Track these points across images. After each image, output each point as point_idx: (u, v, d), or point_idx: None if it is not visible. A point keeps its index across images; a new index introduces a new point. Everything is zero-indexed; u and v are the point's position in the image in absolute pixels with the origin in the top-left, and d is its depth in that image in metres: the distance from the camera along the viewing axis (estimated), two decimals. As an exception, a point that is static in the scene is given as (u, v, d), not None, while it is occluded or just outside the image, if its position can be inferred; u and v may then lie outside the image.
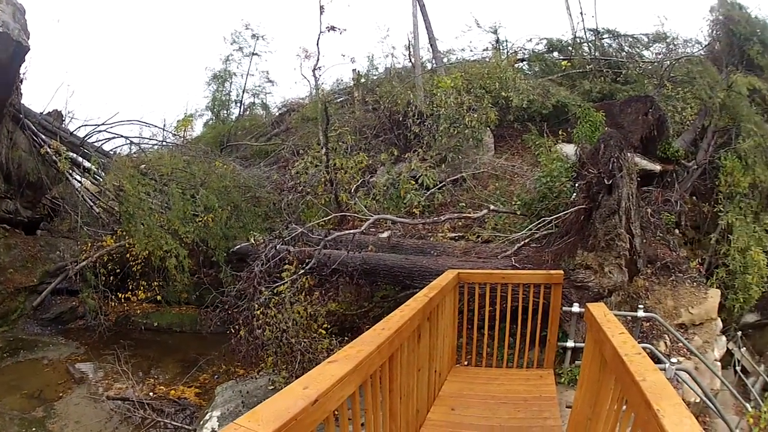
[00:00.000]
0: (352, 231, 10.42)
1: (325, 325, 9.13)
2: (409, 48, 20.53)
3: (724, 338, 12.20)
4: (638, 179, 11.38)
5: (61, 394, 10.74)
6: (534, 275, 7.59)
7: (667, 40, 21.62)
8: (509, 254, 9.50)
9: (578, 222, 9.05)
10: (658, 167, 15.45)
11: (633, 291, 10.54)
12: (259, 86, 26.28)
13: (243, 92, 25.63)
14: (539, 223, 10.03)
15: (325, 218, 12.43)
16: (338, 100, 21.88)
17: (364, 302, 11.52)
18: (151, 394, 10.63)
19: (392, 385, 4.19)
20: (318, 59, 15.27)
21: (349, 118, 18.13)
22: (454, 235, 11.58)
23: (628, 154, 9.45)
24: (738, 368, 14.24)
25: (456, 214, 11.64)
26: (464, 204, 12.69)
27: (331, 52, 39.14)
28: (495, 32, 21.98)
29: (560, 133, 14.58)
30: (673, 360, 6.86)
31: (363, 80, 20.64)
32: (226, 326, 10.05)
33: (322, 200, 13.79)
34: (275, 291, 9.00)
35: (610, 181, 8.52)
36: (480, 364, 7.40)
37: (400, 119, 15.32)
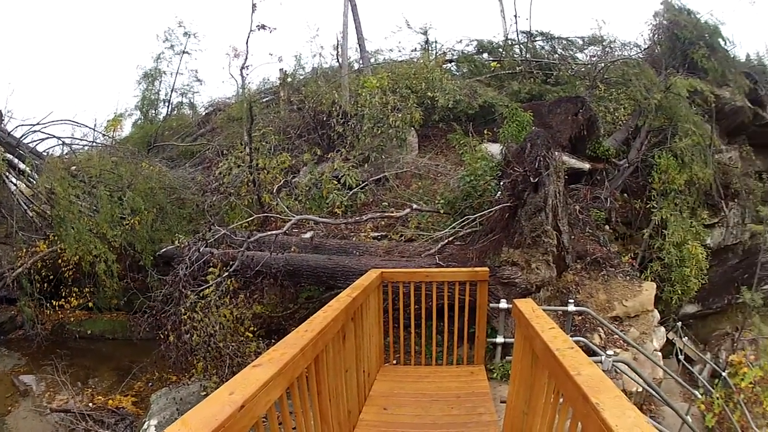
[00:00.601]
0: (274, 232, 10.20)
1: (252, 328, 9.11)
2: (338, 48, 20.46)
3: (662, 329, 12.49)
4: (566, 177, 11.57)
5: (9, 408, 10.81)
6: (458, 273, 7.49)
7: (604, 43, 22.05)
8: (433, 252, 9.46)
9: (503, 219, 9.11)
10: (587, 166, 15.82)
11: (563, 286, 10.64)
12: (188, 85, 25.68)
13: (171, 91, 25.00)
14: (463, 222, 10.02)
15: (248, 219, 12.15)
16: (264, 100, 21.63)
17: (289, 304, 11.46)
18: (90, 404, 10.63)
19: (320, 387, 4.13)
20: (246, 58, 15.05)
21: (273, 117, 17.95)
22: (377, 234, 11.47)
23: (556, 153, 9.54)
24: (681, 357, 14.43)
25: (378, 214, 11.51)
26: (387, 203, 12.66)
27: (262, 52, 39.01)
28: (425, 33, 22.02)
29: (485, 132, 14.64)
30: (609, 352, 6.96)
31: (289, 80, 20.31)
32: (156, 332, 9.87)
33: (245, 201, 13.56)
34: (201, 294, 8.86)
35: (536, 179, 8.61)
36: (409, 363, 7.48)
37: (324, 119, 15.15)
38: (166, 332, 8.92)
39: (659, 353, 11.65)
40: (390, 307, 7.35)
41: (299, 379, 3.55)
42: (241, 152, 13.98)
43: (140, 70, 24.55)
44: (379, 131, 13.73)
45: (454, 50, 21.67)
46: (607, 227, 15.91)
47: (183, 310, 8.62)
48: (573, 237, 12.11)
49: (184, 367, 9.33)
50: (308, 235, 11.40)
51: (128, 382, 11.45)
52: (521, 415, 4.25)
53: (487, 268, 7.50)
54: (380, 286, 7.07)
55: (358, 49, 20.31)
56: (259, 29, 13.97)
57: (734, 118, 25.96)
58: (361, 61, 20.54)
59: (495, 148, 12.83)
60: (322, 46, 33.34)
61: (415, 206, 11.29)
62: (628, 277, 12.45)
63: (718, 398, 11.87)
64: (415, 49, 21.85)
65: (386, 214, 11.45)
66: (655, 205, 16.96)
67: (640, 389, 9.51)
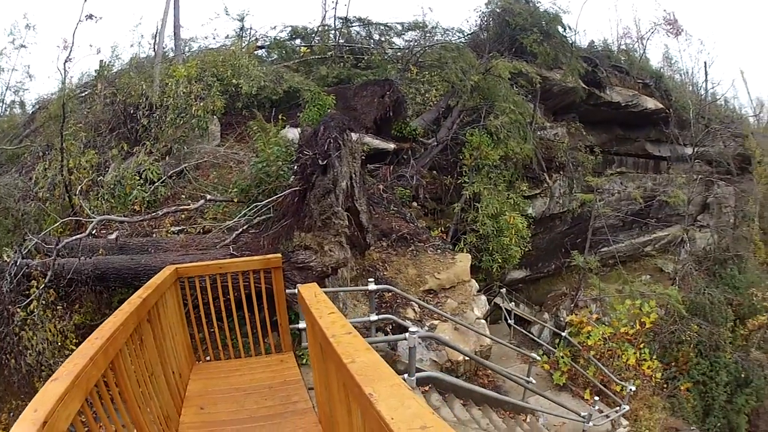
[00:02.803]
0: (79, 236, 9.69)
1: (75, 340, 8.60)
2: (156, 36, 19.83)
3: (483, 297, 12.67)
4: (365, 158, 11.59)
5: None
6: (251, 262, 7.35)
7: (425, 29, 22.78)
8: (227, 243, 9.37)
9: (294, 204, 9.06)
10: (392, 146, 16.07)
11: (369, 264, 10.80)
12: (20, 82, 24.44)
13: (6, 89, 23.64)
14: (253, 209, 9.96)
15: (57, 225, 11.50)
16: (83, 94, 20.29)
17: (105, 309, 10.64)
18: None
19: (125, 395, 3.92)
20: (71, 51, 14.25)
21: (87, 113, 16.99)
22: (177, 229, 11.19)
23: (353, 134, 9.61)
24: (511, 321, 14.64)
25: (174, 208, 11.13)
26: (185, 196, 12.33)
27: (94, 43, 37.23)
28: (242, 20, 22.12)
29: (282, 118, 14.51)
30: (413, 329, 6.81)
31: (106, 72, 19.37)
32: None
33: (58, 205, 12.82)
34: (28, 310, 8.36)
35: (325, 162, 8.58)
36: (220, 358, 7.25)
37: (132, 112, 14.58)
38: (5, 355, 8.38)
39: (483, 321, 11.89)
40: (189, 303, 7.06)
41: (98, 387, 3.41)
42: (56, 153, 13.28)
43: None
44: (182, 122, 13.53)
45: (268, 37, 21.84)
46: (415, 204, 16.13)
47: (16, 329, 8.19)
48: (376, 216, 12.16)
49: (27, 391, 8.59)
50: (113, 236, 10.84)
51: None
52: (326, 402, 4.21)
53: (279, 255, 7.39)
54: (176, 282, 6.70)
55: (174, 38, 19.88)
56: (87, 19, 13.33)
57: (564, 97, 27.74)
58: (175, 50, 20.11)
59: (295, 133, 12.78)
60: (143, 35, 32.39)
61: (209, 197, 11.07)
62: (439, 251, 12.57)
63: (562, 357, 12.40)
64: (229, 36, 21.92)
65: (181, 207, 11.06)
66: (467, 180, 17.31)
67: (467, 357, 9.81)
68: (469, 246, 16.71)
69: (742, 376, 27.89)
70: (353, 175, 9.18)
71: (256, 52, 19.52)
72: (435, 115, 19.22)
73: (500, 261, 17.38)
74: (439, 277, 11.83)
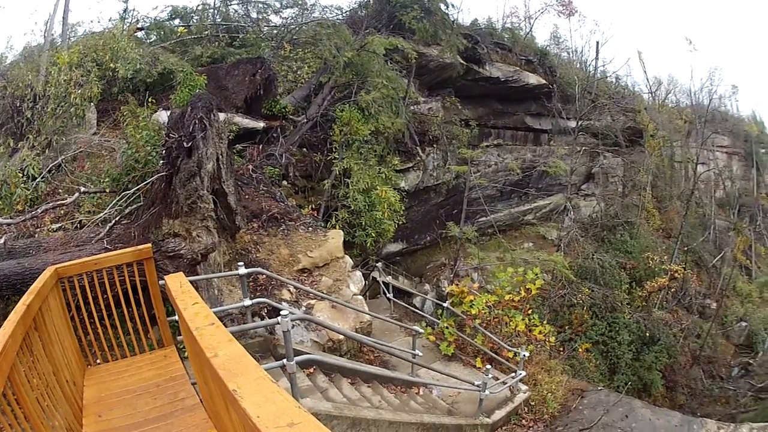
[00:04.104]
0: None
1: None
2: (47, 23, 19.05)
3: (359, 273, 12.65)
4: (235, 138, 11.89)
5: None
6: (124, 254, 6.98)
7: (303, 6, 23.10)
8: (102, 236, 9.08)
9: (161, 190, 8.80)
10: (261, 124, 16.10)
11: (241, 247, 10.74)
12: None
13: None
14: (121, 198, 9.75)
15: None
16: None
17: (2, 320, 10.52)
18: None
19: (26, 411, 3.83)
20: None
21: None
22: (56, 226, 10.44)
23: (220, 114, 9.40)
24: (390, 295, 14.94)
25: (51, 204, 10.67)
26: (62, 190, 11.71)
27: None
28: (126, 1, 21.77)
29: (152, 101, 14.25)
30: (284, 312, 6.53)
31: (-1, 64, 18.79)
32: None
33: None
34: None
35: (190, 144, 8.39)
36: (108, 360, 6.90)
37: (18, 105, 13.94)
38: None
39: (360, 297, 12.04)
40: (72, 304, 6.60)
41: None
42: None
43: None
44: (62, 111, 13.11)
45: (149, 18, 21.51)
46: (285, 183, 16.21)
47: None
48: (246, 197, 12.20)
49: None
50: (2, 240, 9.94)
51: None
52: (209, 396, 4.05)
53: (150, 245, 7.13)
54: (57, 283, 6.34)
55: (62, 23, 19.07)
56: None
57: (440, 73, 28.93)
58: (62, 36, 19.34)
59: (166, 117, 12.11)
60: (36, 22, 31.04)
61: (83, 189, 10.62)
62: (310, 229, 12.66)
63: (447, 327, 12.68)
64: (112, 19, 21.30)
65: (58, 202, 10.60)
66: (337, 157, 17.55)
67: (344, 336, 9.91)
68: (341, 222, 16.85)
69: (647, 334, 29.50)
70: (220, 156, 8.92)
71: (136, 34, 19.24)
72: (306, 92, 19.43)
73: (374, 235, 17.59)
74: (312, 256, 11.91)
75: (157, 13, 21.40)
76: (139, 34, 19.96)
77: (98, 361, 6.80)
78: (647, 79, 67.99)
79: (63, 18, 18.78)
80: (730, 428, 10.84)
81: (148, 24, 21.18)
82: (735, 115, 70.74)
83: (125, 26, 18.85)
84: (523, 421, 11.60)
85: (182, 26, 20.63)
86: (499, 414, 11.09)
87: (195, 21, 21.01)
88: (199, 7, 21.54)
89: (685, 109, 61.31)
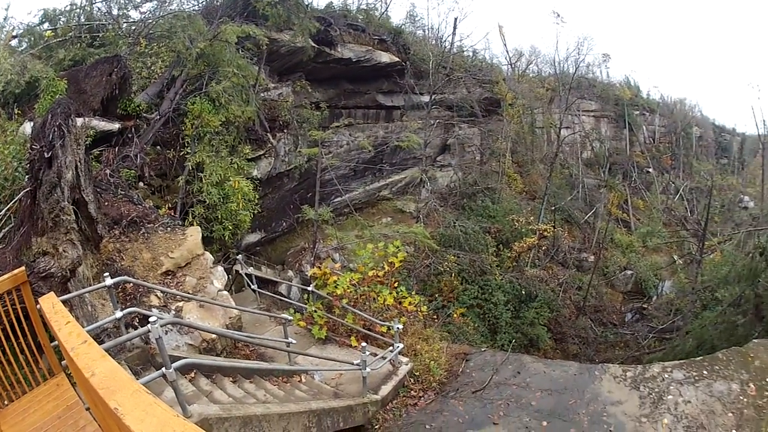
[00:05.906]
0: None
1: None
2: None
3: (220, 268, 12.55)
4: (90, 143, 11.41)
5: None
6: (2, 283, 6.24)
7: None
8: None
9: (27, 207, 8.51)
10: (116, 126, 15.68)
11: (107, 257, 10.54)
12: None
13: None
14: None
15: None
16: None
17: None
18: None
19: None
20: None
21: None
22: None
23: (78, 119, 9.20)
24: (254, 286, 14.80)
25: None
26: None
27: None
28: (7, 9, 20.56)
29: (18, 113, 14.02)
30: (152, 319, 5.95)
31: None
32: None
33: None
34: None
35: (50, 153, 8.13)
36: (12, 399, 6.33)
37: None
38: None
39: (225, 292, 12.04)
40: None
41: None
42: None
43: None
44: None
45: (23, 24, 20.46)
46: (141, 184, 15.94)
47: None
48: (106, 203, 11.95)
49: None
50: None
51: None
52: (103, 418, 3.62)
53: (23, 268, 6.66)
54: None
55: None
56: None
57: (291, 57, 29.62)
58: None
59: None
60: None
61: None
62: (169, 229, 12.57)
63: (315, 311, 12.93)
64: None
65: None
66: (189, 151, 17.64)
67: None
68: (198, 218, 17.04)
69: (523, 292, 31.20)
70: (78, 164, 8.65)
71: (10, 43, 18.47)
72: (159, 87, 19.15)
73: (231, 228, 17.82)
74: (173, 256, 11.76)
75: (30, 18, 20.33)
76: (14, 42, 19.18)
77: (5, 402, 6.30)
78: (507, 52, 70.86)
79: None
80: (638, 369, 10.76)
81: (22, 31, 20.20)
82: (605, 81, 75.21)
83: (2, 36, 18.29)
84: (412, 392, 11.58)
85: (49, 30, 19.73)
86: (386, 389, 11.11)
87: (62, 23, 20.25)
88: (67, 8, 20.70)
89: (548, 77, 64.29)
